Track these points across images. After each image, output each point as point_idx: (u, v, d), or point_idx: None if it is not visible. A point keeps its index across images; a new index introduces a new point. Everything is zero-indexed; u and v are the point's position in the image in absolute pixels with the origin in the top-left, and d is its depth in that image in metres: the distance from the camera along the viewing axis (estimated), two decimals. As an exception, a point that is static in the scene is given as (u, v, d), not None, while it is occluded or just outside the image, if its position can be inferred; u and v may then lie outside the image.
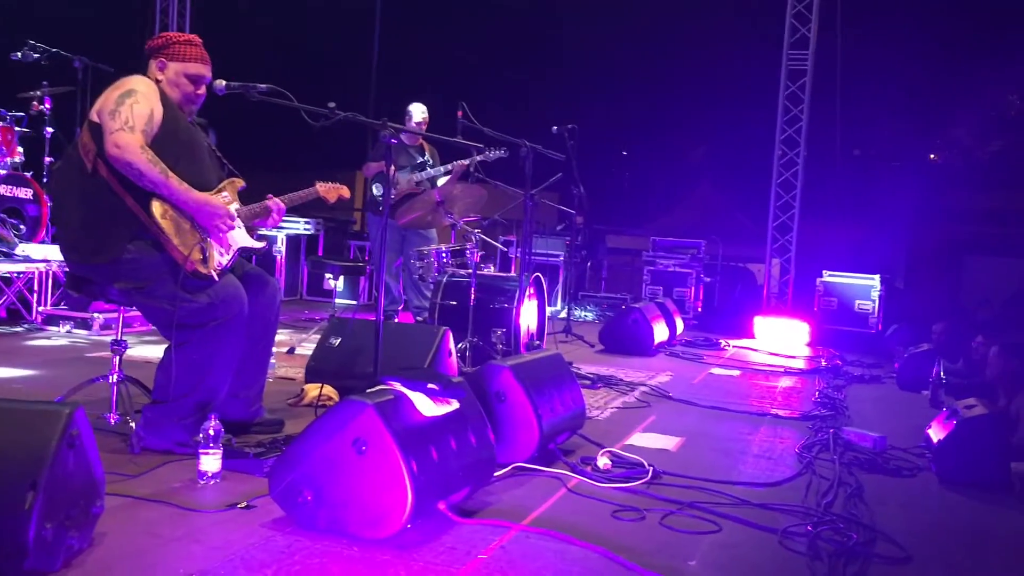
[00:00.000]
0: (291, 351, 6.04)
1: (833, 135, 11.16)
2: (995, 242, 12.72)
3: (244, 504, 2.84)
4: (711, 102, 15.11)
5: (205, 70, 3.53)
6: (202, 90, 3.53)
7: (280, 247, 9.57)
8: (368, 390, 2.76)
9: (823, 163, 11.57)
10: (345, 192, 4.11)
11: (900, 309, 9.89)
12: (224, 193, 3.56)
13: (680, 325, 8.39)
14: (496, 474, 3.24)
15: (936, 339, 7.04)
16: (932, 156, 17.49)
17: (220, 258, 3.42)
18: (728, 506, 3.21)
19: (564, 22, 15.27)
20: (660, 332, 7.65)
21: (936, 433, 4.12)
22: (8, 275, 6.46)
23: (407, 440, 2.63)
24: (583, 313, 10.62)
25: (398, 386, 2.80)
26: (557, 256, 10.64)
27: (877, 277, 9.56)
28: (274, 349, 3.90)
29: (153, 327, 3.54)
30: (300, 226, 9.99)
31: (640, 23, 15.02)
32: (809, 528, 2.97)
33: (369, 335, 4.32)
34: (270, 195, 3.76)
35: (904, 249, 12.40)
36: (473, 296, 5.59)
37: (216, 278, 3.34)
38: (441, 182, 7.04)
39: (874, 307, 9.47)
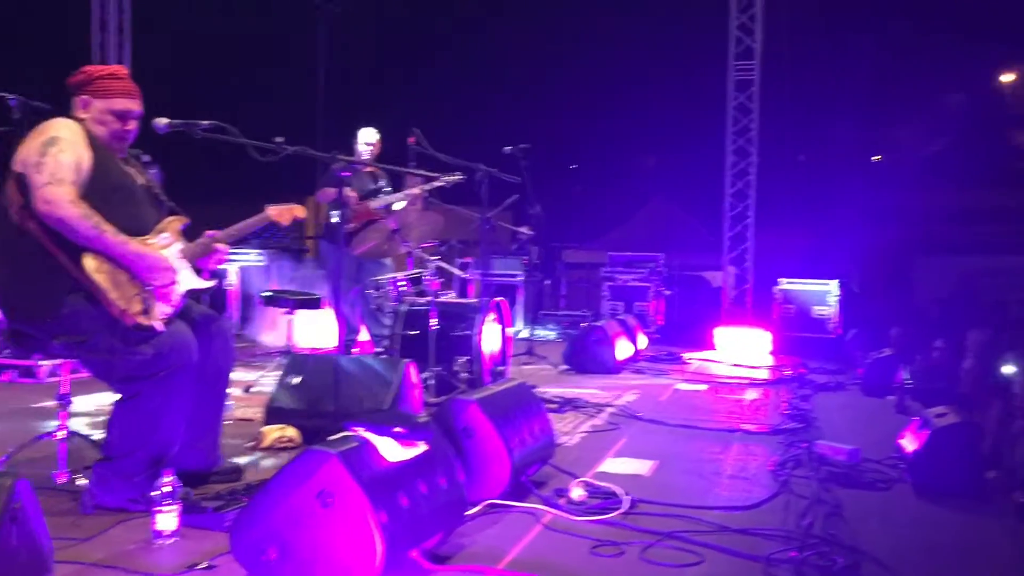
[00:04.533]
0: (247, 389, 5.86)
1: (784, 143, 11.23)
2: (943, 241, 12.92)
3: (205, 565, 2.69)
4: (659, 113, 15.16)
5: (132, 104, 3.28)
6: (131, 125, 3.29)
7: (232, 280, 9.35)
8: (331, 438, 2.63)
9: (775, 170, 11.64)
10: (300, 211, 3.89)
11: (858, 313, 9.95)
12: (164, 234, 3.35)
13: (643, 340, 8.34)
14: (468, 513, 3.13)
15: (895, 343, 7.06)
16: (876, 158, 17.75)
17: (164, 307, 3.25)
18: (708, 534, 3.12)
19: (507, 38, 15.24)
20: (623, 349, 7.59)
21: (909, 443, 4.09)
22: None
23: (375, 489, 2.51)
24: (545, 332, 10.54)
25: (363, 432, 2.68)
26: (515, 276, 10.55)
27: (835, 282, 9.62)
28: (229, 389, 3.74)
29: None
30: (252, 257, 9.76)
31: (584, 36, 15.06)
32: (793, 554, 2.90)
33: (329, 371, 4.20)
34: (208, 231, 3.52)
35: (858, 253, 12.51)
36: (434, 324, 5.47)
37: (160, 328, 3.17)
38: (397, 206, 6.91)
39: (833, 312, 9.52)
